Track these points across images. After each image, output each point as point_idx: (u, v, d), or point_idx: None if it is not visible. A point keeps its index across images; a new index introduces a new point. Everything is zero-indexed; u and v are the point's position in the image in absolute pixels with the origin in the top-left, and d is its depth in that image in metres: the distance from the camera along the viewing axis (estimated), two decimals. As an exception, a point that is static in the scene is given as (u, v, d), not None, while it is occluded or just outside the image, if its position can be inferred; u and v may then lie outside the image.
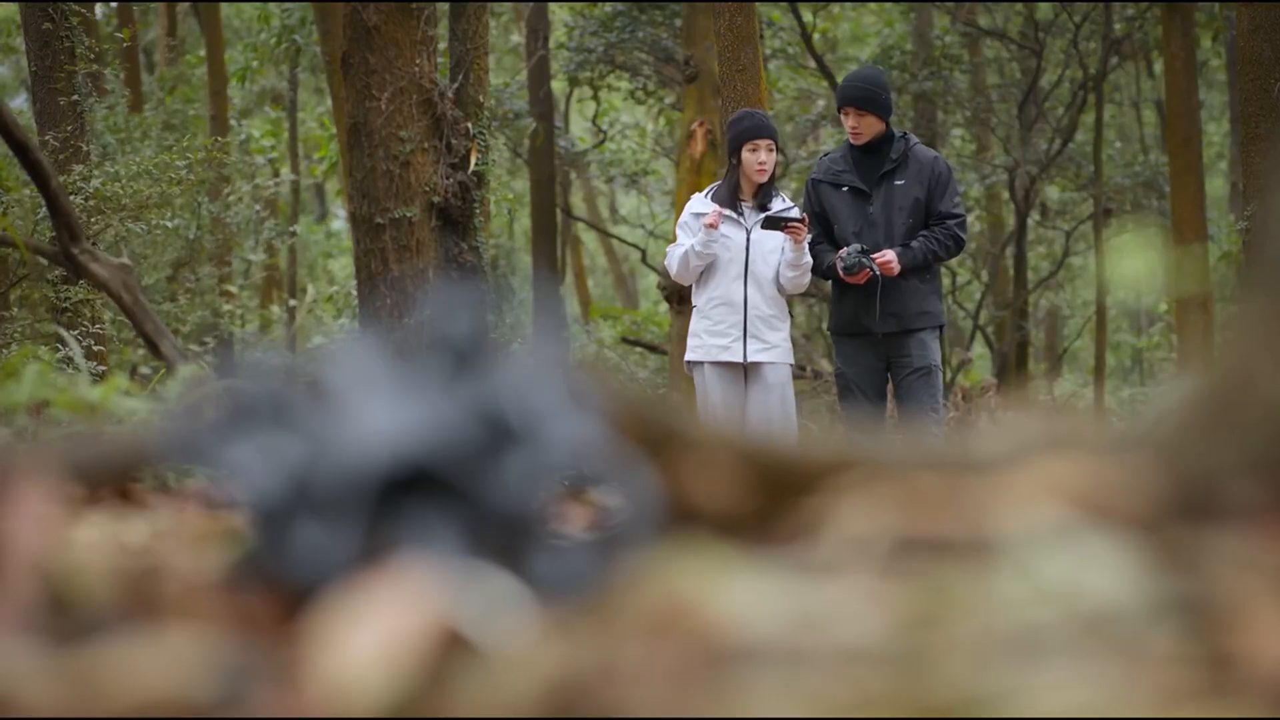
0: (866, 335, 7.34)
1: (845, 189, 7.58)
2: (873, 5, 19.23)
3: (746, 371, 7.47)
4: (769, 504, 1.34)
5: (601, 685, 0.95)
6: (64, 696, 1.01)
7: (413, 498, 1.25)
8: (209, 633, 1.14)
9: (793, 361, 7.62)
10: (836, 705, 0.92)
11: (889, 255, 7.29)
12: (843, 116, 7.58)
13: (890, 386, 7.60)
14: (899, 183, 7.50)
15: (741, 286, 7.51)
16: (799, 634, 1.07)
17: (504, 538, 1.24)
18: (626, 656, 1.09)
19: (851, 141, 7.57)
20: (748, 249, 7.57)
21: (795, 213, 7.64)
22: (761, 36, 10.76)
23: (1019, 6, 15.86)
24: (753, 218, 7.59)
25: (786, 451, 1.33)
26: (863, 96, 7.48)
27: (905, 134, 7.69)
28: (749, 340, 7.47)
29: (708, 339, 7.49)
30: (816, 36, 16.95)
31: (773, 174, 7.67)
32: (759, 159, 7.52)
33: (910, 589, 1.15)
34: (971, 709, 0.93)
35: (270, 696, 1.01)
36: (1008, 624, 1.08)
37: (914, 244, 7.39)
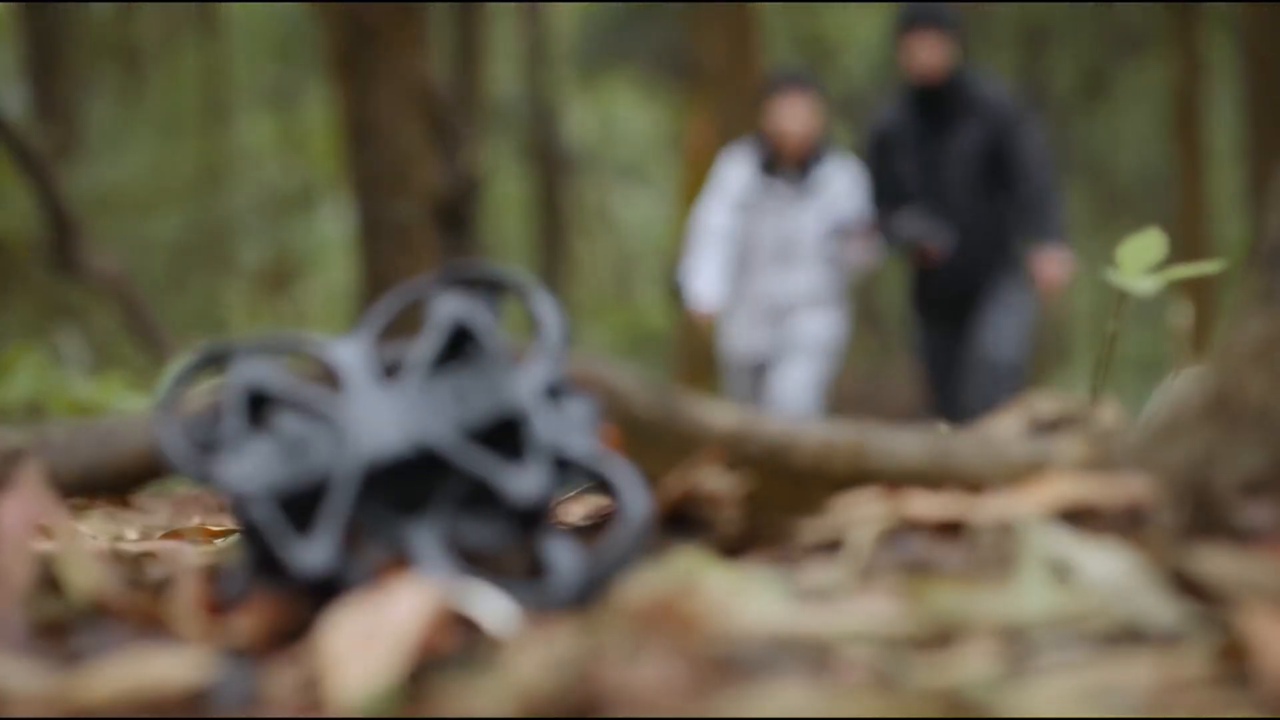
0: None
1: (903, 141, 6.70)
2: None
3: (776, 358, 6.97)
4: (771, 504, 1.34)
5: (602, 685, 0.94)
6: (52, 697, 1.00)
7: (415, 494, 1.25)
8: (208, 633, 1.13)
9: (836, 343, 7.04)
10: (838, 706, 0.91)
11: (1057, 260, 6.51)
12: (904, 49, 6.60)
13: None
14: (967, 130, 6.58)
15: (779, 272, 6.93)
16: (799, 633, 1.06)
17: (508, 532, 1.24)
18: (627, 656, 1.09)
19: (915, 80, 6.59)
20: (785, 226, 6.92)
21: (846, 197, 6.78)
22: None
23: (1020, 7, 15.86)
24: (790, 187, 6.89)
25: (790, 452, 1.32)
26: (930, 13, 6.45)
27: (972, 70, 6.74)
28: (782, 332, 6.94)
29: (740, 334, 6.99)
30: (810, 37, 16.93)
31: (817, 136, 6.83)
32: (790, 112, 6.74)
33: (915, 596, 1.14)
34: (973, 713, 0.92)
35: (270, 697, 1.01)
36: (1010, 632, 1.08)
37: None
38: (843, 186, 6.91)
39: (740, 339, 7.00)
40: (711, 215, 6.98)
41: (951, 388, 6.75)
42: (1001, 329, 6.58)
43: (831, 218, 6.91)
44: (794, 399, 6.83)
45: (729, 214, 6.96)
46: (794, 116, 6.75)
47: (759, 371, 7.01)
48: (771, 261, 6.90)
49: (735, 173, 6.97)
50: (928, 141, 6.65)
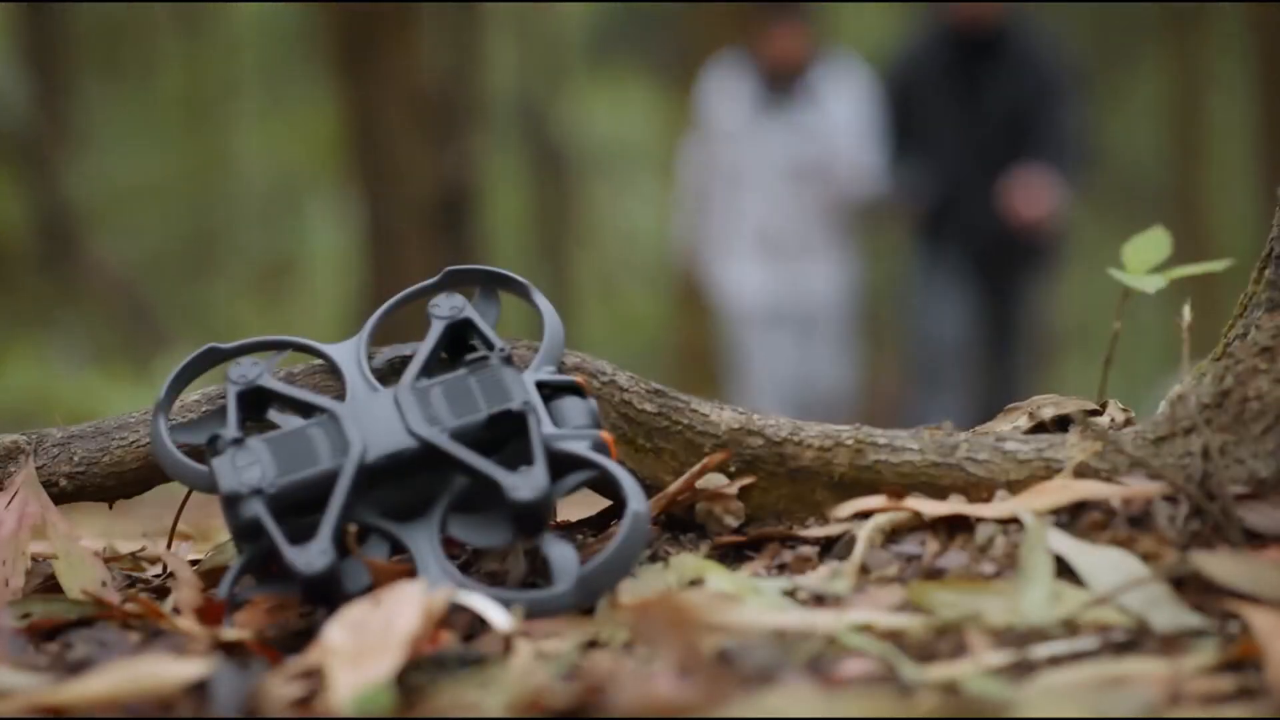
0: None
1: (931, 86, 5.86)
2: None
3: (787, 314, 6.12)
4: (772, 504, 1.33)
5: (603, 685, 0.94)
6: (50, 697, 1.00)
7: (414, 495, 1.24)
8: (206, 634, 1.13)
9: (847, 294, 6.22)
10: (840, 707, 0.91)
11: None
12: None
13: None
14: (1008, 85, 5.79)
15: (777, 204, 6.10)
16: (800, 633, 1.06)
17: (508, 533, 1.23)
18: (627, 656, 1.08)
19: (961, 24, 5.78)
20: (779, 154, 6.06)
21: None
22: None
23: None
24: (782, 112, 6.08)
25: (791, 452, 1.32)
26: None
27: (1026, 23, 5.99)
28: (789, 279, 6.08)
29: (739, 278, 6.09)
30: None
31: (810, 60, 6.07)
32: (780, 43, 5.99)
33: (917, 596, 1.14)
34: (977, 713, 0.92)
35: (268, 697, 1.01)
36: (1013, 633, 1.07)
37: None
38: (845, 111, 6.07)
39: (741, 283, 6.08)
40: (697, 153, 6.24)
41: (960, 359, 5.94)
42: (1021, 328, 5.98)
43: (830, 144, 6.06)
44: (829, 382, 6.17)
45: (716, 146, 6.15)
46: (784, 46, 5.99)
47: (770, 326, 6.10)
48: (767, 192, 6.05)
49: (721, 99, 6.17)
50: (960, 91, 5.80)
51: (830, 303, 6.13)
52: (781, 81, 6.06)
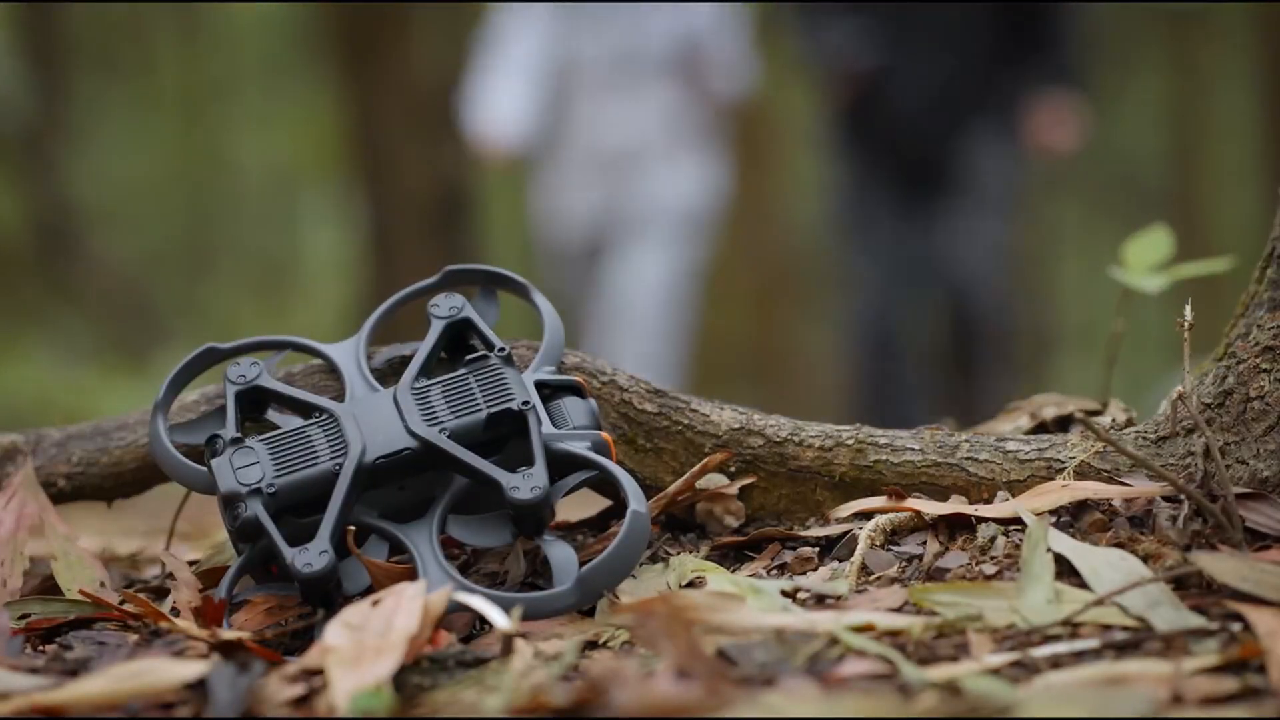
0: None
1: None
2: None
3: (623, 242, 4.90)
4: (772, 504, 1.33)
5: (603, 685, 0.94)
6: (48, 698, 1.00)
7: (414, 495, 1.24)
8: (205, 635, 1.13)
9: (701, 211, 5.02)
10: (840, 707, 0.91)
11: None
12: None
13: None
14: None
15: (614, 104, 4.84)
16: (800, 633, 1.06)
17: (508, 533, 1.23)
18: (628, 656, 1.08)
19: None
20: (620, 40, 4.84)
21: None
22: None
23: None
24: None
25: (791, 451, 1.31)
26: None
27: None
28: (623, 194, 4.85)
29: (562, 197, 4.89)
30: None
31: None
32: None
33: (917, 596, 1.14)
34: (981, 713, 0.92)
35: (267, 698, 1.00)
36: (1014, 633, 1.07)
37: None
38: None
39: (563, 205, 4.88)
40: (516, 33, 4.92)
41: (912, 308, 4.67)
42: (977, 236, 4.54)
43: (688, 24, 4.84)
44: (641, 302, 4.85)
45: (541, 28, 4.88)
46: None
47: (593, 257, 4.92)
48: (603, 90, 4.78)
49: None
50: None
51: (673, 209, 4.89)
52: None
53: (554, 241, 4.97)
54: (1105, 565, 1.12)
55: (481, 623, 1.17)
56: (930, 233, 4.54)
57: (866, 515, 1.28)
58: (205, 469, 1.23)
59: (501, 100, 4.84)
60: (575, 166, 4.84)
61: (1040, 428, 1.46)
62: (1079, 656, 1.01)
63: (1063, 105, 4.51)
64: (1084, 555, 1.13)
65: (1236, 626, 1.04)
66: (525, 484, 1.18)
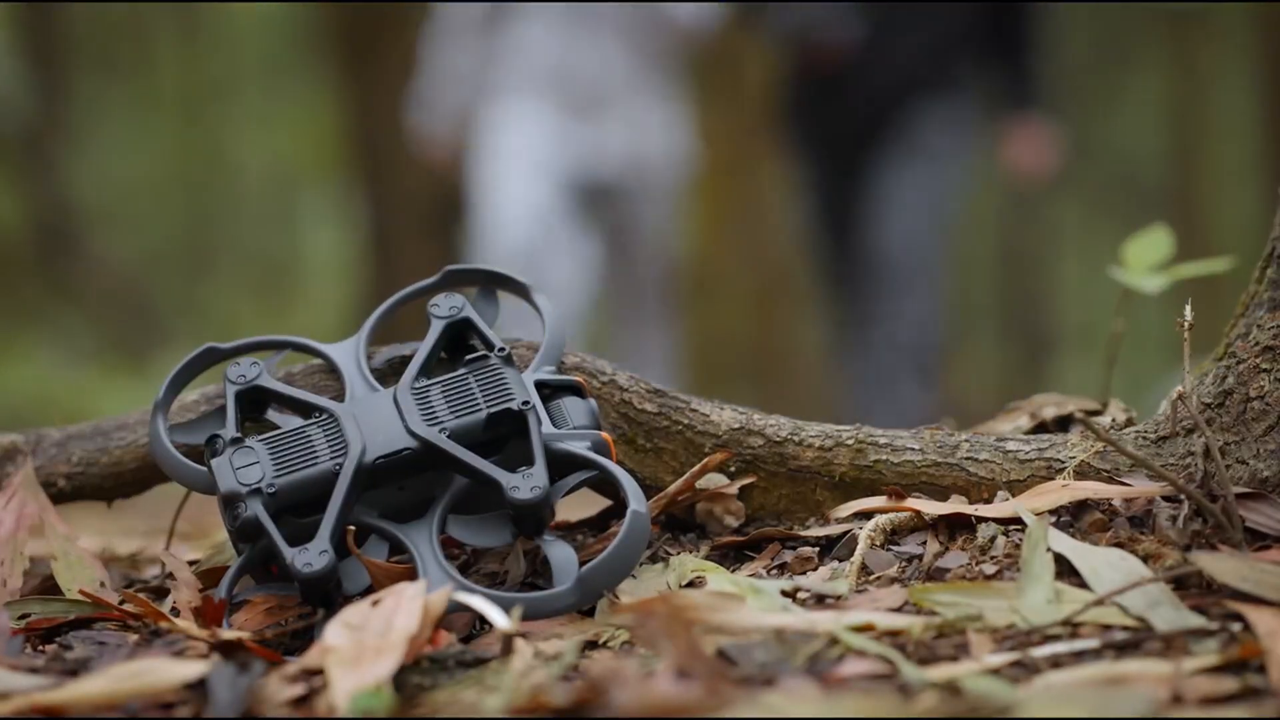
0: None
1: None
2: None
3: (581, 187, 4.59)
4: (772, 504, 1.33)
5: (603, 685, 0.94)
6: (48, 698, 1.00)
7: (414, 496, 1.24)
8: (205, 635, 1.13)
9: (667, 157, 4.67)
10: (840, 707, 0.91)
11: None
12: None
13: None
14: None
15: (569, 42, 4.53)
16: (800, 633, 1.06)
17: (508, 533, 1.23)
18: (628, 656, 1.08)
19: None
20: None
21: None
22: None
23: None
24: None
25: (792, 451, 1.31)
26: None
27: None
28: (576, 132, 4.55)
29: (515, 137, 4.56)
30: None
31: None
32: None
33: (917, 596, 1.14)
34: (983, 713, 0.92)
35: (267, 698, 1.00)
36: (1014, 633, 1.07)
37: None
38: None
39: (520, 144, 4.55)
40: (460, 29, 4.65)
41: (853, 244, 4.53)
42: (905, 208, 4.42)
43: None
44: (593, 254, 4.68)
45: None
46: None
47: (552, 196, 4.58)
48: (561, 24, 4.51)
49: None
50: None
51: (636, 155, 4.57)
52: None
53: (508, 179, 4.59)
54: (1105, 565, 1.12)
55: (481, 623, 1.17)
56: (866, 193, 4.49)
57: (866, 515, 1.28)
58: (205, 469, 1.23)
59: (445, 106, 4.68)
60: (532, 103, 4.53)
61: (1040, 428, 1.46)
62: (1079, 656, 1.01)
63: (1038, 129, 4.51)
64: (1084, 555, 1.13)
65: (1236, 626, 1.03)
66: (525, 484, 1.18)
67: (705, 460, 1.31)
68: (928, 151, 4.42)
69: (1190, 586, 1.09)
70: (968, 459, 1.29)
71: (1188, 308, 1.29)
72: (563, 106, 4.50)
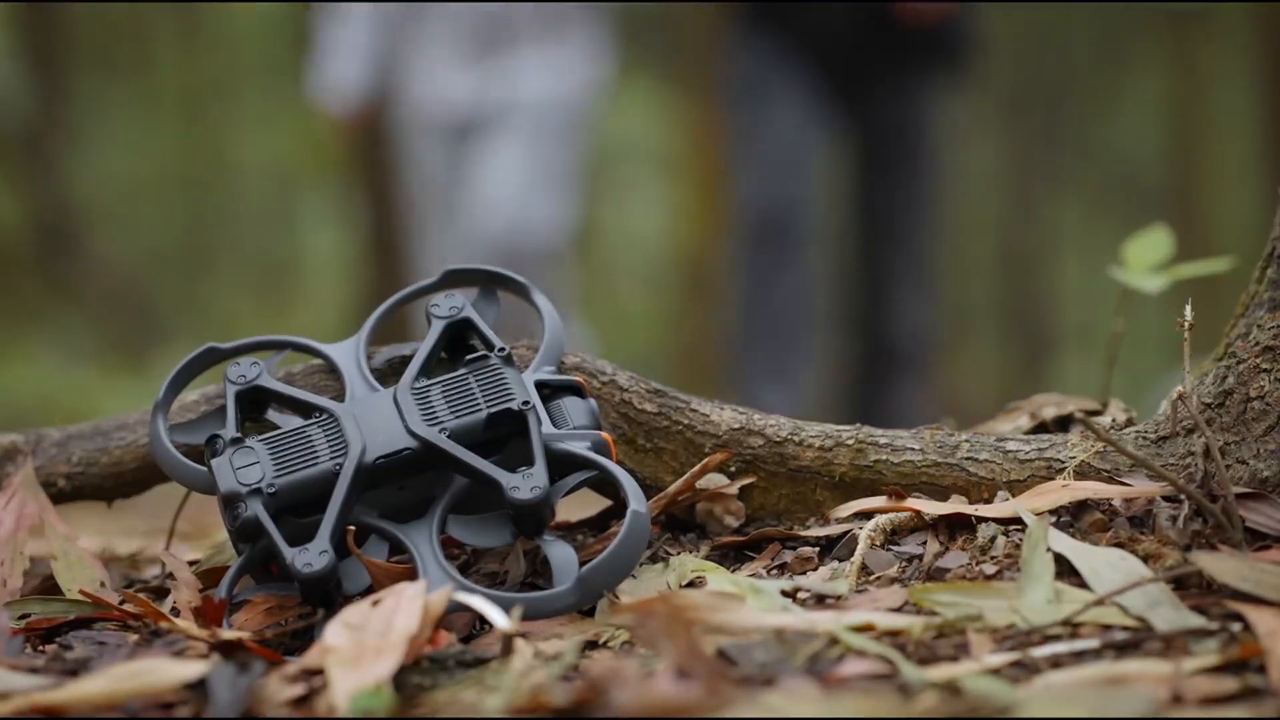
0: None
1: None
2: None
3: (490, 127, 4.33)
4: (772, 504, 1.33)
5: (603, 685, 0.94)
6: (48, 698, 1.00)
7: (414, 496, 1.24)
8: (205, 635, 1.13)
9: (575, 100, 4.41)
10: (840, 707, 0.91)
11: None
12: None
13: None
14: None
15: None
16: (800, 633, 1.06)
17: (508, 533, 1.23)
18: (628, 656, 1.08)
19: None
20: None
21: None
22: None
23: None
24: None
25: (792, 451, 1.31)
26: None
27: None
28: (495, 75, 4.30)
29: (431, 75, 4.35)
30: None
31: None
32: None
33: (917, 596, 1.14)
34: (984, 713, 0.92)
35: (267, 698, 1.00)
36: (1014, 633, 1.07)
37: None
38: None
39: (431, 82, 4.33)
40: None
41: (809, 197, 4.04)
42: (908, 193, 4.10)
43: None
44: (500, 196, 4.28)
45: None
46: None
47: (460, 136, 4.35)
48: None
49: None
50: None
51: (543, 96, 4.29)
52: None
53: (420, 123, 4.39)
54: (1105, 565, 1.12)
55: (481, 623, 1.17)
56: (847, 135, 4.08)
57: (866, 515, 1.28)
58: (205, 469, 1.23)
59: (343, 62, 4.42)
60: (443, 42, 4.30)
61: (1040, 428, 1.46)
62: (1079, 656, 1.01)
63: None
64: (1084, 555, 1.13)
65: (1236, 626, 1.04)
66: (525, 484, 1.18)
67: (705, 460, 1.31)
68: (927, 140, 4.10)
69: (1190, 586, 1.09)
70: (968, 459, 1.29)
71: (1188, 308, 1.29)
72: (471, 34, 4.28)
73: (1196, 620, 1.05)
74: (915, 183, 4.09)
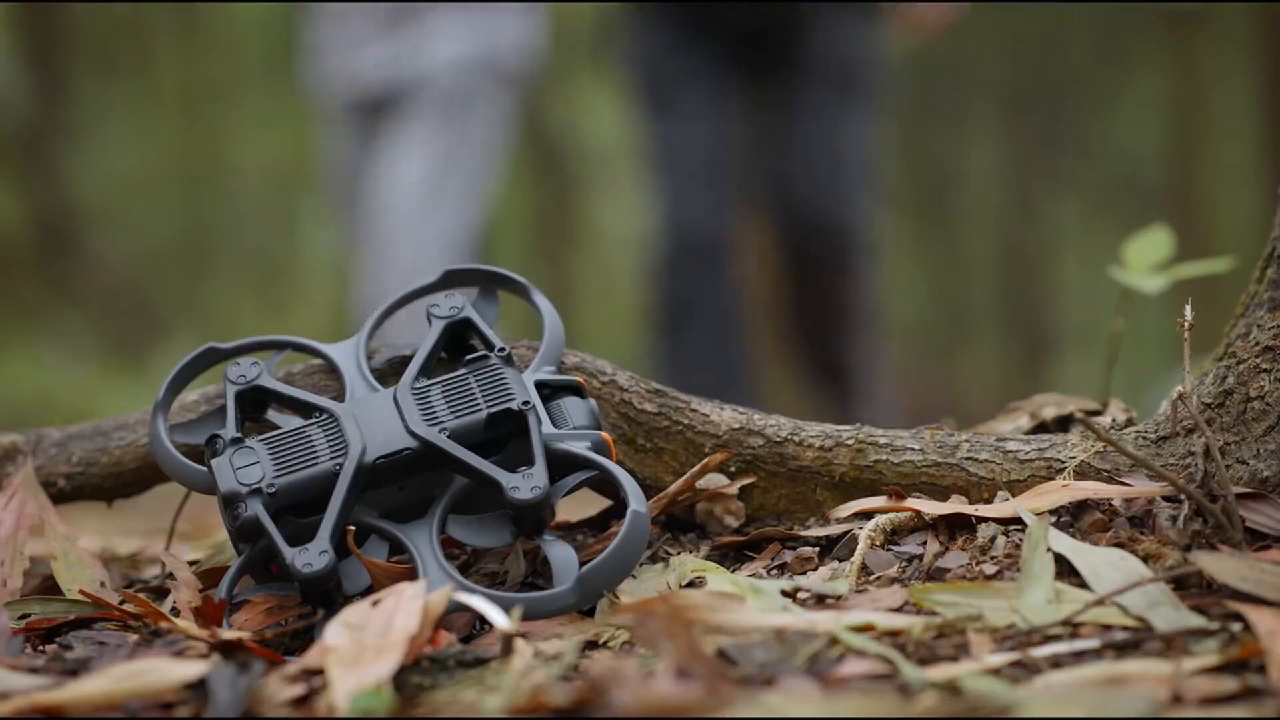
0: None
1: None
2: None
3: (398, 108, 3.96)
4: (772, 504, 1.33)
5: (603, 685, 0.94)
6: (48, 698, 1.00)
7: (414, 496, 1.24)
8: (205, 635, 1.13)
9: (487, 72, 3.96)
10: (840, 707, 0.91)
11: None
12: None
13: None
14: None
15: None
16: (800, 633, 1.06)
17: (508, 533, 1.23)
18: (628, 656, 1.08)
19: None
20: None
21: None
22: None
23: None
24: None
25: (792, 451, 1.32)
26: None
27: None
28: (406, 45, 3.92)
29: (341, 46, 3.97)
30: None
31: None
32: None
33: (917, 596, 1.14)
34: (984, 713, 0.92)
35: (267, 698, 1.00)
36: (1017, 633, 1.07)
37: None
38: None
39: (340, 56, 3.98)
40: None
41: (731, 212, 3.60)
42: (836, 140, 3.54)
43: None
44: (397, 203, 3.93)
45: None
46: None
47: (373, 115, 3.97)
48: None
49: None
50: None
51: (451, 71, 3.87)
52: None
53: (331, 101, 4.06)
54: (1105, 565, 1.12)
55: (481, 623, 1.17)
56: (765, 124, 3.56)
57: (866, 515, 1.28)
58: (205, 469, 1.23)
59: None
60: (349, 8, 3.94)
61: (1040, 428, 1.46)
62: (1079, 656, 1.01)
63: None
64: (1084, 555, 1.13)
65: (1236, 626, 1.03)
66: (525, 484, 1.18)
67: (705, 460, 1.31)
68: (851, 85, 3.53)
69: (1190, 586, 1.09)
70: (968, 459, 1.29)
71: (1188, 308, 1.29)
72: (383, 14, 3.91)
73: (1196, 620, 1.05)
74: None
